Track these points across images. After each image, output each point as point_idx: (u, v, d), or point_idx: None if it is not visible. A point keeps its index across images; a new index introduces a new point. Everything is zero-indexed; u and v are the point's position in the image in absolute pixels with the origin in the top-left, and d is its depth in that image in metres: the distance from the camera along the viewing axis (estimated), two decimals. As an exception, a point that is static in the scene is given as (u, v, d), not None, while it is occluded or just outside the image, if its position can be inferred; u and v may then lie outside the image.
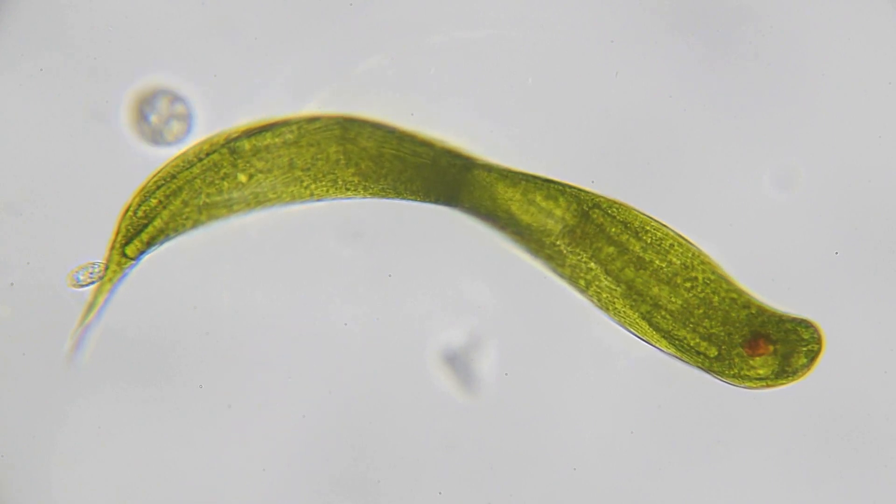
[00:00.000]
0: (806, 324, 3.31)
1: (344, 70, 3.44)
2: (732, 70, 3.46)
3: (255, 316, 3.44)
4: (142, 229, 3.36)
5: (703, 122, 3.46)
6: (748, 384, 3.32)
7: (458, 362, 3.47)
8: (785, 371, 3.30)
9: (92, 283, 3.34)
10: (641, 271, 3.32)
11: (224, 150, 3.37)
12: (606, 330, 3.41)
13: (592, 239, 3.33)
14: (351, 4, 3.45)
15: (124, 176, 3.42)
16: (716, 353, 3.32)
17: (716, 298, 3.32)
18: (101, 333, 3.40)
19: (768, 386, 3.32)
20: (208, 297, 3.43)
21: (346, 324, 3.45)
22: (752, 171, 3.46)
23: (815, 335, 3.30)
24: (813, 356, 3.30)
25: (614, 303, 3.35)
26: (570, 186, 3.38)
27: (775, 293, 3.37)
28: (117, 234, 3.37)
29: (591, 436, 3.47)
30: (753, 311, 3.32)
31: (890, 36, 3.46)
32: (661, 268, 3.32)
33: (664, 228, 3.36)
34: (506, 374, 3.47)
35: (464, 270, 3.45)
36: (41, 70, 3.43)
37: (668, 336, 3.33)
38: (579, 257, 3.34)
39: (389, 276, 3.45)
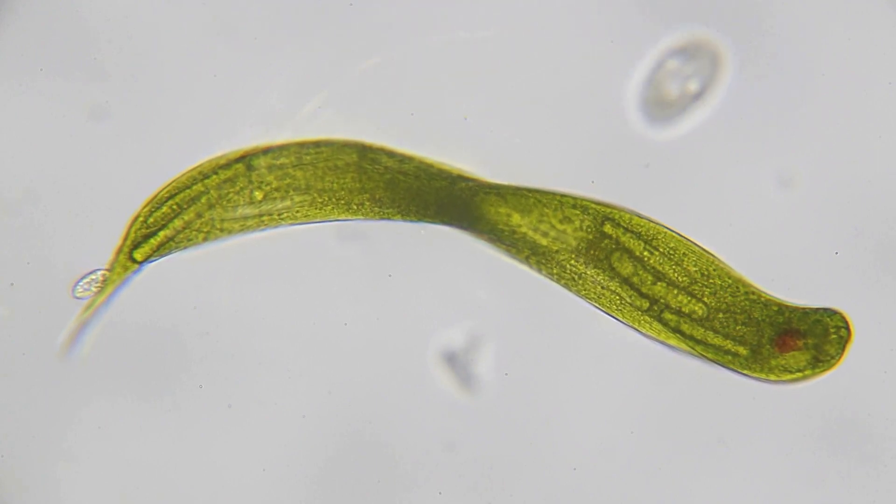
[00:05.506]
0: (830, 312, 3.33)
1: (344, 71, 3.45)
2: (733, 70, 3.46)
3: (255, 316, 3.44)
4: (151, 235, 3.36)
5: (703, 121, 3.46)
6: (786, 377, 3.35)
7: (457, 362, 3.47)
8: (819, 360, 3.33)
9: (93, 293, 3.33)
10: (661, 283, 3.33)
11: (240, 166, 3.37)
12: (606, 330, 3.41)
13: (610, 254, 3.34)
14: (351, 4, 3.46)
15: (124, 176, 3.42)
16: (747, 353, 3.34)
17: (736, 301, 3.34)
18: (101, 334, 3.41)
19: (806, 378, 3.35)
20: (208, 297, 3.43)
21: (346, 324, 3.45)
22: (752, 170, 3.45)
23: (843, 321, 3.32)
24: (843, 342, 3.32)
25: (641, 318, 3.36)
26: (583, 199, 3.38)
27: (775, 293, 3.37)
28: (125, 238, 3.37)
29: (591, 436, 3.47)
30: (775, 310, 3.34)
31: (890, 36, 3.46)
32: (680, 277, 3.34)
33: (676, 237, 3.36)
34: (505, 375, 3.47)
35: (464, 270, 3.45)
36: (41, 70, 3.43)
37: (700, 343, 3.34)
38: (600, 276, 3.35)
39: (389, 276, 3.45)
